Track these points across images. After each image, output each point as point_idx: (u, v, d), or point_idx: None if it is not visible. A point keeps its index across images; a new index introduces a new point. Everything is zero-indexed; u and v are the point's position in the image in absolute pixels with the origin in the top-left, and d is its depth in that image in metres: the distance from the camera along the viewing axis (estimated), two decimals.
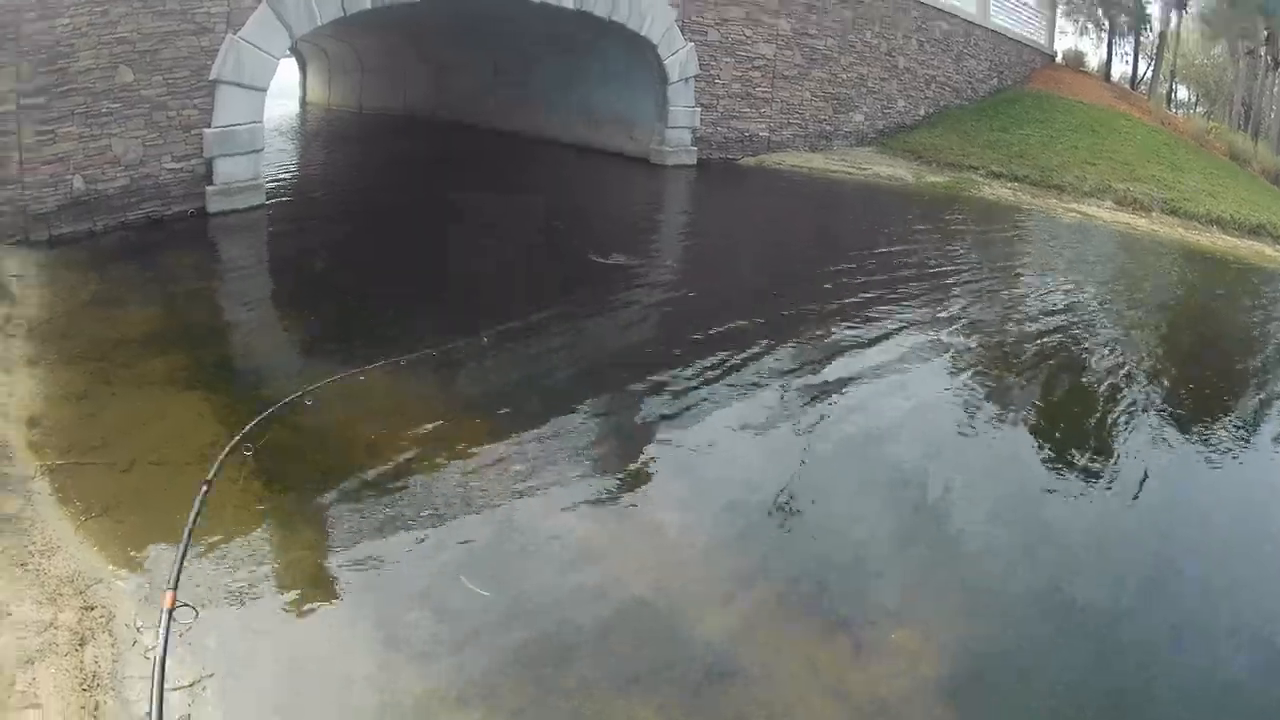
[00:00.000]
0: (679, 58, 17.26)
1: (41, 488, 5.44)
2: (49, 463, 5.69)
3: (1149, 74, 41.17)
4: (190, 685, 3.82)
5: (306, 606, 4.45)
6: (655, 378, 7.45)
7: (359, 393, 6.72)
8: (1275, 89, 45.44)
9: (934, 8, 24.91)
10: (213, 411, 6.40)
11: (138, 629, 4.24)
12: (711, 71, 18.44)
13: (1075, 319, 10.35)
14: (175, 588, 4.11)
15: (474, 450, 6.02)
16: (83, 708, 3.83)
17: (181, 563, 4.33)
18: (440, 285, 10.00)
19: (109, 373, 7.22)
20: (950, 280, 11.56)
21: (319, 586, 4.61)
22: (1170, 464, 6.73)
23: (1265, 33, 40.32)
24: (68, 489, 5.45)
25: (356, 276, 10.51)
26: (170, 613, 3.79)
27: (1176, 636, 4.59)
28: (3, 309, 9.05)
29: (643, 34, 16.52)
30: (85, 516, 5.14)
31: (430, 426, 6.31)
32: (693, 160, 18.14)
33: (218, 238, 11.66)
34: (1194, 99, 64.28)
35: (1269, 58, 42.27)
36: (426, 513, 5.28)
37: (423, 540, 5.02)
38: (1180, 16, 39.87)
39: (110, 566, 4.72)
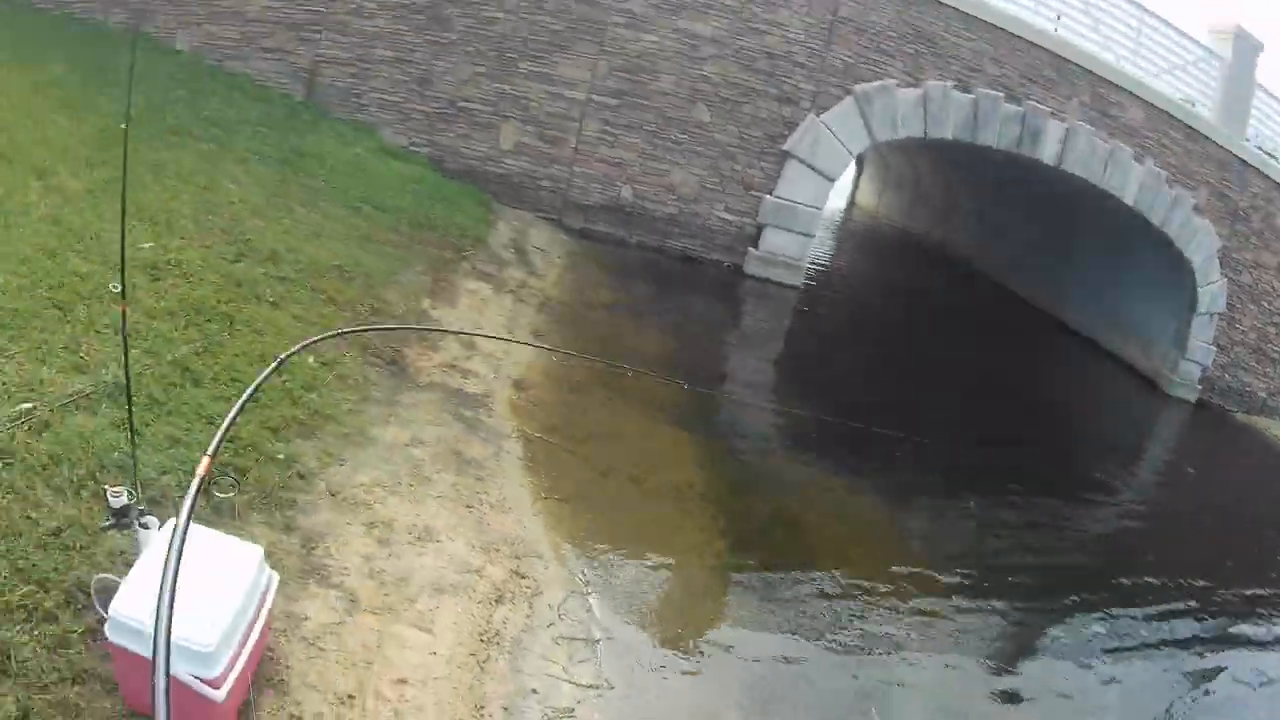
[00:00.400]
0: (1212, 290, 16.16)
1: (512, 449, 6.08)
2: (527, 430, 5.81)
3: None
4: None
5: None
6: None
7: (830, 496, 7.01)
8: None
9: None
10: (692, 451, 6.95)
11: (559, 615, 4.42)
12: (1234, 314, 17.13)
13: None
14: None
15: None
16: (472, 654, 3.95)
17: None
18: (912, 424, 9.59)
19: (605, 373, 7.21)
20: None
21: None
22: None
23: None
24: (537, 463, 5.97)
25: (848, 384, 10.79)
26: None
27: None
28: (521, 274, 9.49)
29: (1186, 255, 15.62)
30: (547, 495, 5.56)
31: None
32: (1193, 398, 16.67)
33: (745, 297, 11.81)
34: None
35: None
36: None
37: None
38: None
39: (554, 551, 5.01)
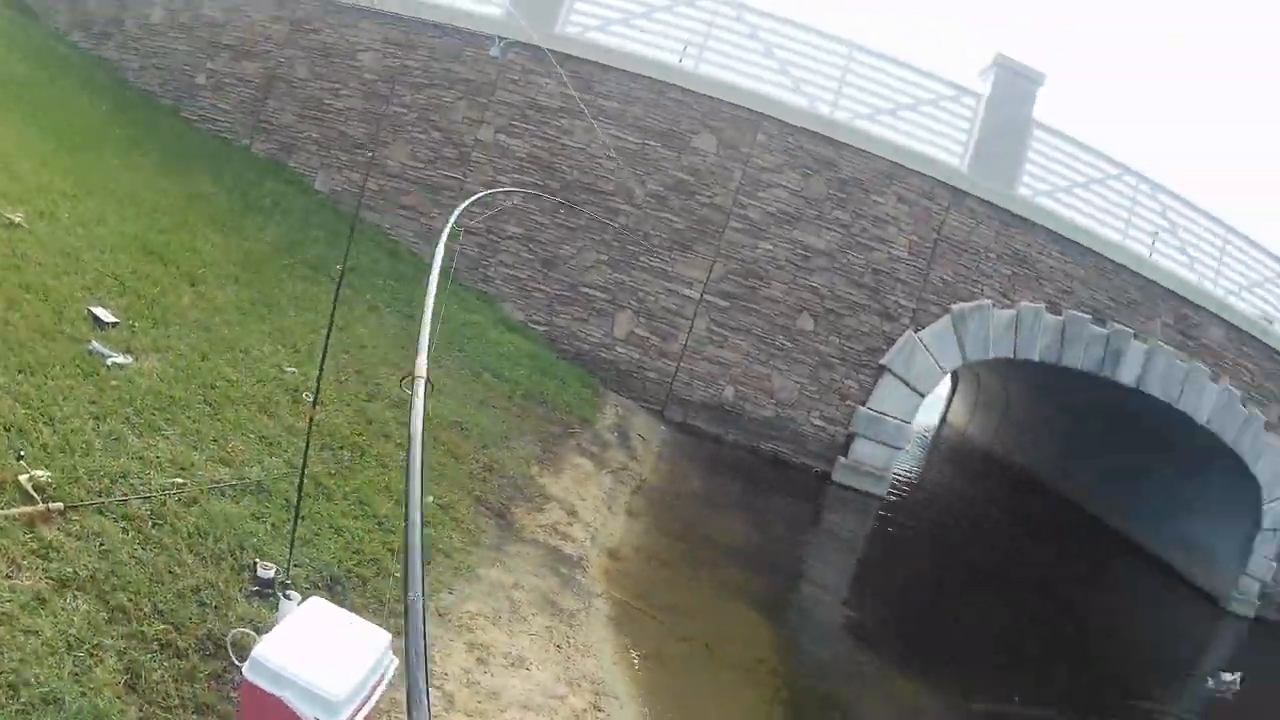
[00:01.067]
0: (1277, 507, 16.61)
1: (600, 606, 7.15)
2: (615, 594, 6.65)
3: None
4: None
5: None
6: None
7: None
8: None
9: None
10: (768, 632, 7.82)
11: None
12: None
13: None
14: None
15: None
16: None
17: None
18: (977, 633, 10.66)
19: (693, 553, 8.15)
20: None
21: None
22: None
23: None
24: (622, 622, 6.83)
25: (923, 591, 11.70)
26: None
27: None
28: (624, 457, 10.45)
29: (1253, 471, 16.19)
30: (628, 649, 6.41)
31: None
32: (1251, 613, 17.17)
33: (828, 502, 12.48)
34: None
35: None
36: None
37: None
38: None
39: (629, 693, 5.85)
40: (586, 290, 13.46)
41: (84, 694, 3.30)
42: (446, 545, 6.23)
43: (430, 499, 6.53)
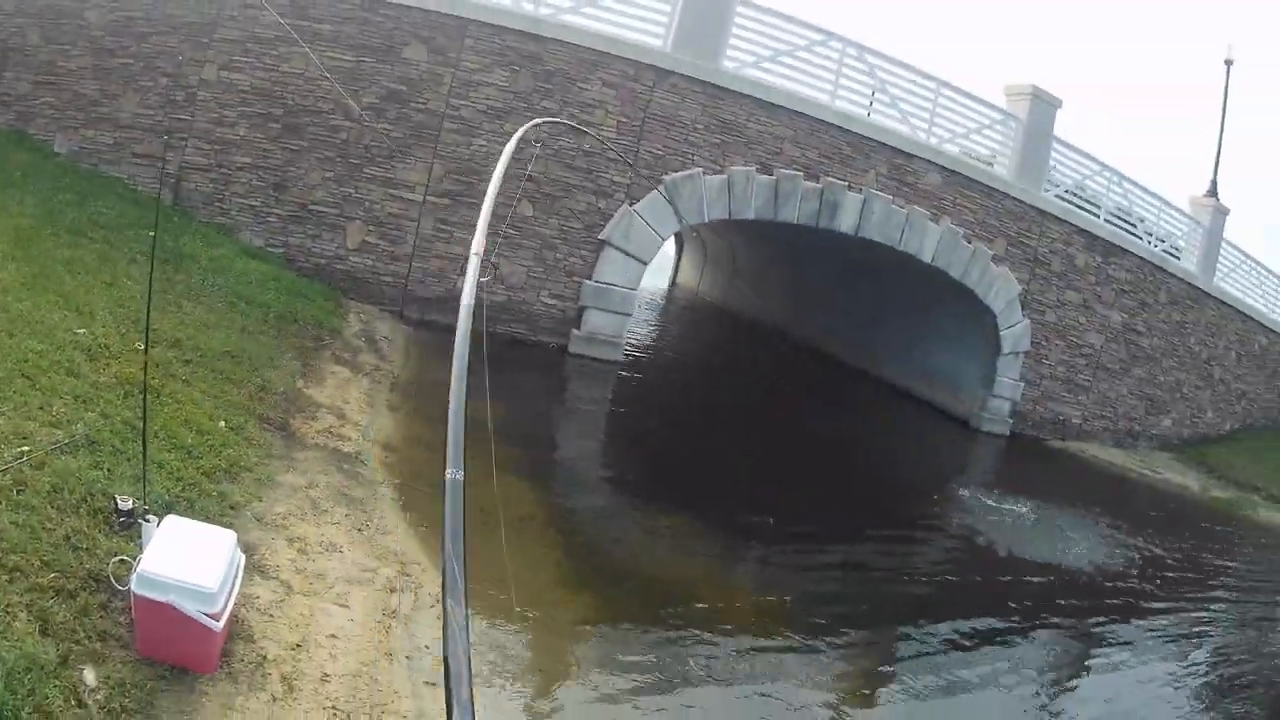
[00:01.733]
0: (1014, 332, 18.28)
1: (385, 492, 7.88)
2: (394, 480, 8.20)
3: None
4: None
5: None
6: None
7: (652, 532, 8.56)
8: None
9: (1257, 321, 24.75)
10: (534, 494, 8.77)
11: (435, 600, 5.81)
12: (1041, 351, 19.36)
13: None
14: None
15: None
16: (379, 622, 5.65)
17: None
18: (722, 470, 11.58)
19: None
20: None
21: None
22: None
23: None
24: (406, 502, 7.75)
25: (670, 436, 12.68)
26: None
27: None
28: (374, 359, 11.41)
29: (986, 302, 17.68)
30: (417, 524, 7.33)
31: None
32: (1006, 430, 18.80)
33: (569, 373, 13.44)
34: None
35: None
36: None
37: None
38: None
39: (428, 559, 6.72)
40: (316, 208, 14.12)
41: (12, 647, 3.86)
42: (247, 461, 6.99)
43: (222, 424, 7.31)
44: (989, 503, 13.40)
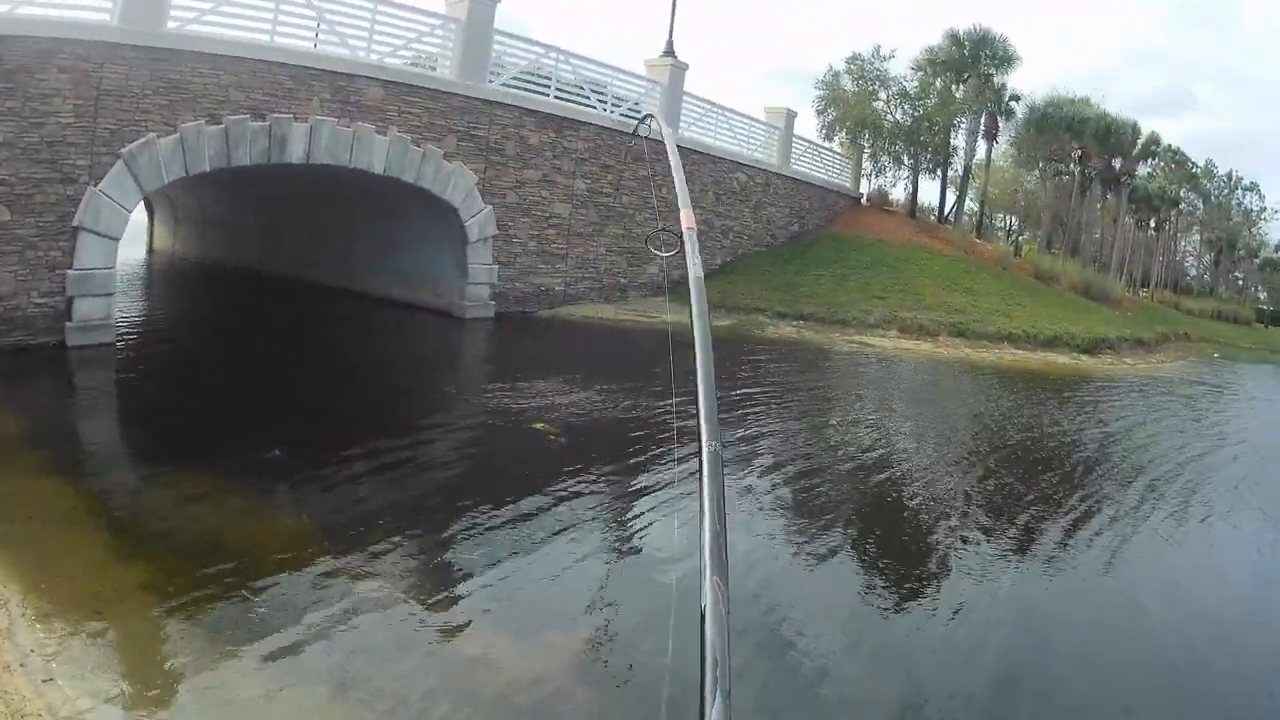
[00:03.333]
0: (478, 220, 20.85)
1: None
2: None
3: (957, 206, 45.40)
4: None
5: None
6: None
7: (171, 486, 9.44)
8: (1086, 205, 50.50)
9: (731, 160, 28.82)
10: (71, 488, 9.03)
11: (23, 610, 6.43)
12: (510, 231, 22.13)
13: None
14: None
15: None
16: None
17: None
18: (241, 409, 12.57)
19: None
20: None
21: None
22: None
23: (1078, 152, 45.91)
24: None
25: (179, 400, 13.38)
26: None
27: None
28: None
29: (445, 199, 20.06)
30: None
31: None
32: (491, 313, 21.45)
33: (74, 368, 14.03)
34: (1011, 224, 73.43)
35: (1081, 175, 47.52)
36: None
37: None
38: (990, 146, 43.92)
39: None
40: None
41: None
42: None
43: None
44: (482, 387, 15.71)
